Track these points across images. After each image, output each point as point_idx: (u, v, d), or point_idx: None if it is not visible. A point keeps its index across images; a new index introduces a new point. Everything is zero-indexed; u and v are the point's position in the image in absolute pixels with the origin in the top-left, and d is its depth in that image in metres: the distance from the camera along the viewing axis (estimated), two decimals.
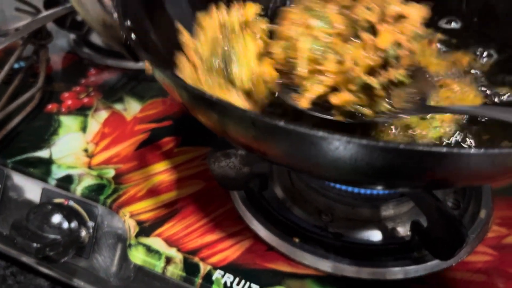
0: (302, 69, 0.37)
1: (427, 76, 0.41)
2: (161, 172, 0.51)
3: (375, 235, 0.44)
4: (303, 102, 0.37)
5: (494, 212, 0.47)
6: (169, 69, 0.36)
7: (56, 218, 0.47)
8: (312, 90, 0.37)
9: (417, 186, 0.36)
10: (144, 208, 0.48)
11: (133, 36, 0.35)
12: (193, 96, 0.30)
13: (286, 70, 0.39)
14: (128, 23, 0.37)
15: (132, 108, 0.60)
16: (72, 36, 0.72)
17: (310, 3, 0.39)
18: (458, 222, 0.38)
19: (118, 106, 0.60)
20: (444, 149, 0.25)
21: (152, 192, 0.49)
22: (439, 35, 0.52)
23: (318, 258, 0.42)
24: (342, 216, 0.45)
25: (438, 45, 0.51)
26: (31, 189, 0.52)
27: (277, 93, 0.40)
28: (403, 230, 0.45)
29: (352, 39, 0.38)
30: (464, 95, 0.45)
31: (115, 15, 0.35)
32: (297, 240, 0.43)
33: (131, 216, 0.47)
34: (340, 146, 0.26)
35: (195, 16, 0.41)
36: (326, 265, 0.42)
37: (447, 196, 0.48)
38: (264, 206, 0.46)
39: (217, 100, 0.28)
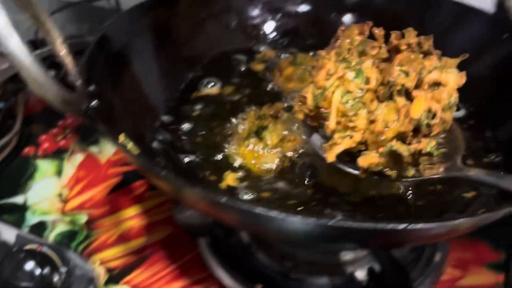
0: (332, 121, 0.37)
1: (455, 139, 0.40)
2: (131, 217, 0.53)
3: (336, 280, 0.46)
4: (330, 156, 0.37)
5: (450, 254, 0.49)
6: (131, 132, 0.38)
7: (29, 265, 0.49)
8: (340, 145, 0.37)
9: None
10: (114, 255, 0.49)
11: (95, 103, 0.37)
12: (145, 168, 0.32)
13: (315, 115, 0.40)
14: (92, 88, 0.39)
15: (106, 150, 0.62)
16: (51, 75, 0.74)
17: (346, 55, 0.39)
18: (406, 272, 0.40)
19: (94, 149, 0.62)
20: (371, 226, 0.27)
21: (122, 238, 0.51)
22: None
23: None
24: (304, 261, 0.47)
25: None
26: (5, 233, 0.53)
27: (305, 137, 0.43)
28: (361, 275, 0.47)
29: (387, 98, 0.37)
30: None
31: (79, 82, 0.37)
32: (259, 287, 0.45)
33: (101, 263, 0.48)
34: (277, 221, 0.28)
35: (161, 76, 0.44)
36: None
37: None
38: (229, 252, 0.48)
39: (165, 174, 0.30)
